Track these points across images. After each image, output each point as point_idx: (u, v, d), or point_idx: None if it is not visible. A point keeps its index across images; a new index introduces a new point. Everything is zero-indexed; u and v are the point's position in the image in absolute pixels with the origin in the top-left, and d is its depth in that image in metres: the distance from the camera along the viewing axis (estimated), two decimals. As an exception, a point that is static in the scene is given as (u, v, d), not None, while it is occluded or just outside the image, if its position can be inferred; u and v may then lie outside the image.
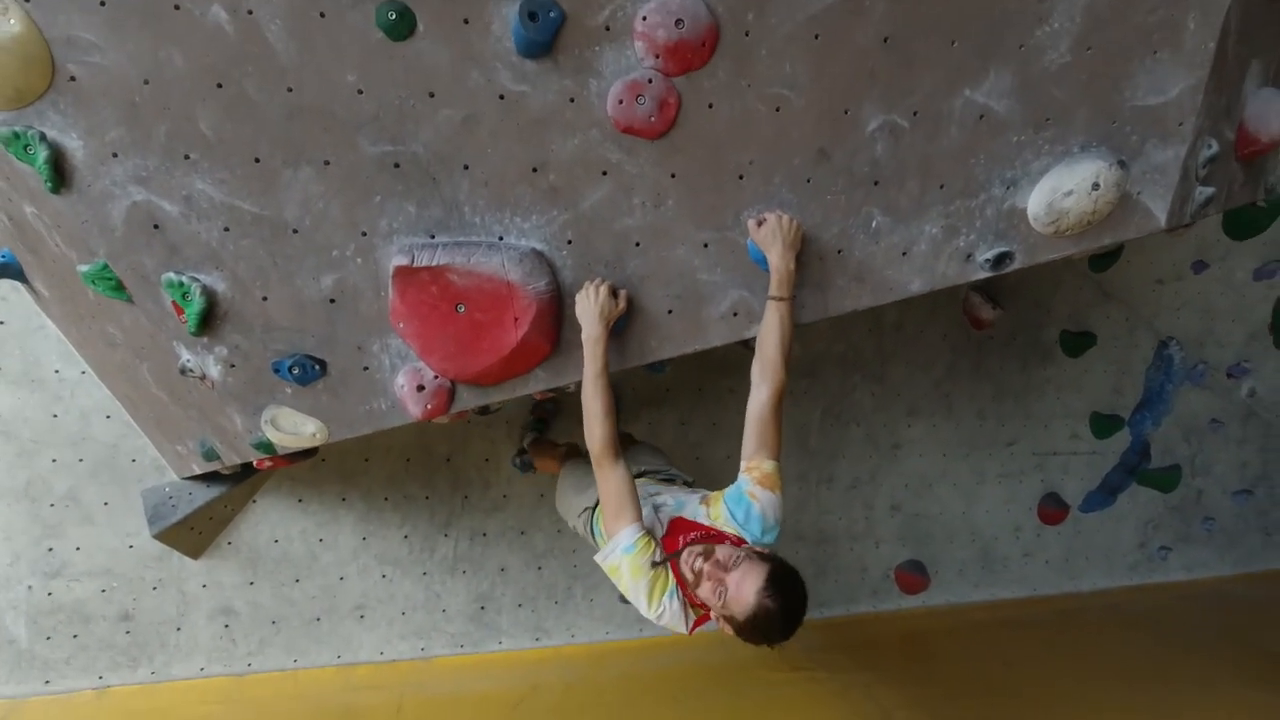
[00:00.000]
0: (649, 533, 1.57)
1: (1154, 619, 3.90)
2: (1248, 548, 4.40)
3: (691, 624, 1.56)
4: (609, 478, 1.59)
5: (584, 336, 1.64)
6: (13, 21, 1.31)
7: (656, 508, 1.68)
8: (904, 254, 1.78)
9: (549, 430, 2.99)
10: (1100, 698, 3.12)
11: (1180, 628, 3.82)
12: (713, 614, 1.51)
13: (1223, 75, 1.64)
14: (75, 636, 2.67)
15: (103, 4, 1.32)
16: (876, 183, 1.71)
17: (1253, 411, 4.19)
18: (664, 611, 1.53)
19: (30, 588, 2.61)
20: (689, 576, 1.49)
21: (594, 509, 1.89)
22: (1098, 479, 4.02)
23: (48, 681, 2.67)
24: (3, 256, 1.87)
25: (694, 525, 1.61)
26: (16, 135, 1.38)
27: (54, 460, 2.56)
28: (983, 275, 1.81)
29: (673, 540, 1.59)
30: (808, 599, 1.47)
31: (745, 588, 1.42)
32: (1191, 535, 4.29)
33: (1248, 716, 3.00)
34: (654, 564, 1.53)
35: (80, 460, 2.58)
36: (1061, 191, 1.66)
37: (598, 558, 1.61)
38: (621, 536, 1.55)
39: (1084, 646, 3.58)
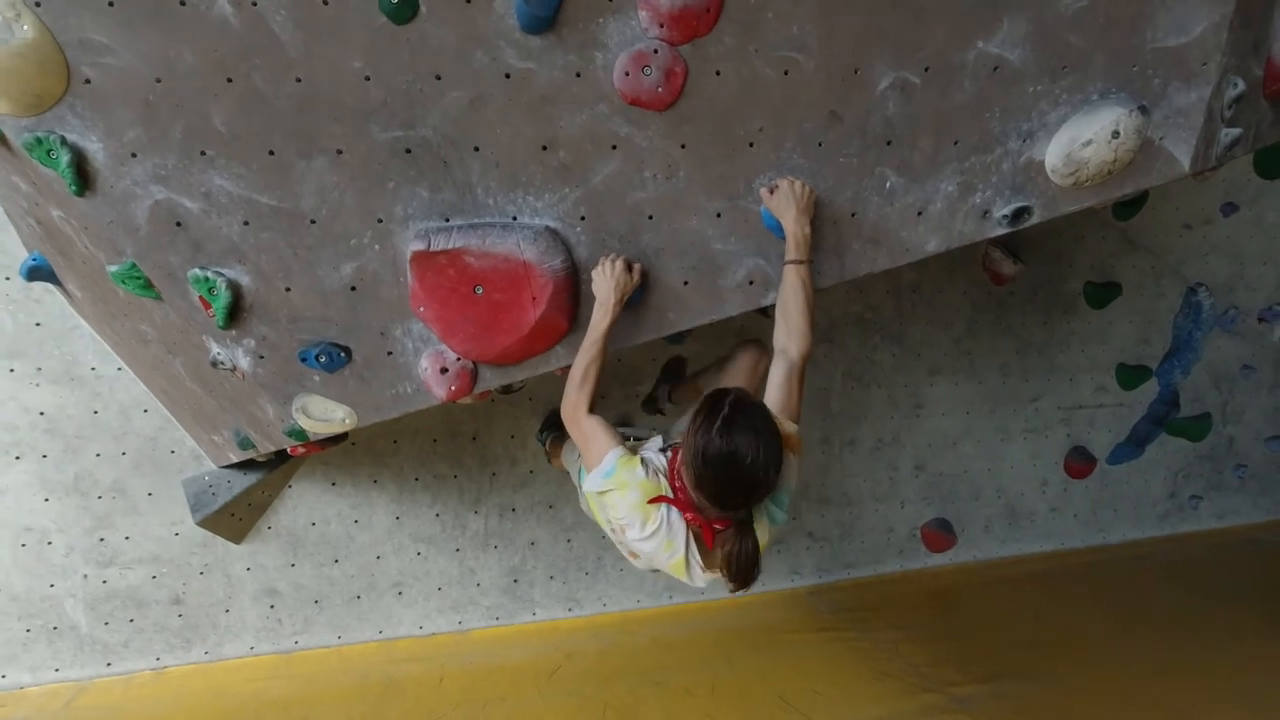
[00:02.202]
0: (632, 451, 1.53)
1: (1184, 568, 3.87)
2: (1281, 494, 4.34)
3: (688, 546, 1.47)
4: (582, 427, 1.58)
5: (596, 304, 1.66)
6: (25, 27, 1.33)
7: (665, 445, 1.65)
8: (919, 214, 1.76)
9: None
10: (1131, 648, 3.13)
11: (1212, 576, 3.80)
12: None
13: (1249, 8, 1.58)
14: (131, 620, 2.80)
15: (111, 4, 1.33)
16: (889, 142, 1.68)
17: (1286, 355, 4.10)
18: (660, 525, 1.45)
19: (86, 576, 2.73)
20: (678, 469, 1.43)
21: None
22: (1125, 431, 3.98)
23: (109, 664, 2.81)
24: (34, 260, 1.92)
25: None
26: (39, 140, 1.41)
27: (98, 455, 2.65)
28: (1000, 231, 1.78)
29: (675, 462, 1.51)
30: (772, 445, 1.33)
31: (692, 429, 1.34)
32: (1223, 483, 4.24)
33: (1281, 664, 3.00)
34: (644, 469, 1.48)
35: (123, 454, 2.66)
36: (1080, 141, 1.62)
37: (586, 485, 1.59)
38: (604, 462, 1.51)
39: (1113, 598, 3.57)
